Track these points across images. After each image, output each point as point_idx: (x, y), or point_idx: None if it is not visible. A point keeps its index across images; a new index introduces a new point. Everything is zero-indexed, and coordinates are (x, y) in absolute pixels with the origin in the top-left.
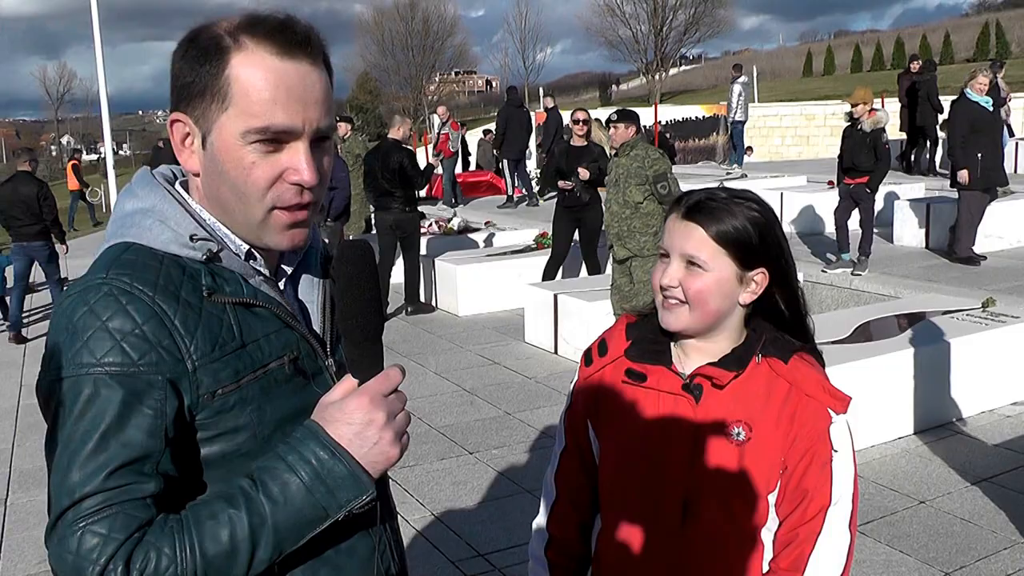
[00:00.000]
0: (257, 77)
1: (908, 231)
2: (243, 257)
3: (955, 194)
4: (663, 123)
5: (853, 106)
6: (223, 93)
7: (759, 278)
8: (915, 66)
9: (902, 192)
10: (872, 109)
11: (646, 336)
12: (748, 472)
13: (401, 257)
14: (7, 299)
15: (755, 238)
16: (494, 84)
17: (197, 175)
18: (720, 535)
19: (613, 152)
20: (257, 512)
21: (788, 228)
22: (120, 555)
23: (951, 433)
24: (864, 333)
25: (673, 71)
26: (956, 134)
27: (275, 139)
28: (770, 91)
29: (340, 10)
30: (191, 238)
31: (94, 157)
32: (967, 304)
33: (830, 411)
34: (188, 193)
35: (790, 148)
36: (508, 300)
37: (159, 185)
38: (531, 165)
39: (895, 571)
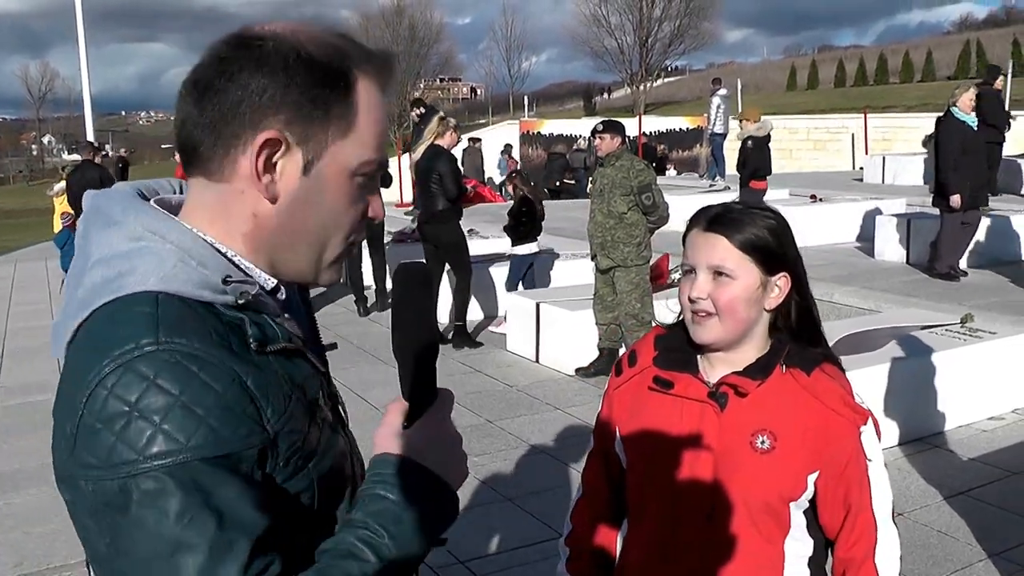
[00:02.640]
0: (377, 108)
1: (889, 246)
2: (269, 292)
3: (935, 210)
4: (647, 134)
5: (743, 120)
6: (348, 120)
7: (782, 283)
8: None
9: (883, 207)
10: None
11: (674, 346)
12: (771, 480)
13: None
14: None
15: (775, 243)
16: (479, 91)
17: (273, 200)
18: (742, 542)
19: (598, 163)
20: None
21: None
22: None
23: (929, 447)
24: (844, 347)
25: (658, 82)
26: (948, 156)
27: (375, 175)
28: (754, 104)
29: (326, 15)
30: (224, 280)
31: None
32: (946, 319)
33: (857, 425)
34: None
35: (773, 161)
36: (490, 308)
37: (162, 213)
38: None
39: None
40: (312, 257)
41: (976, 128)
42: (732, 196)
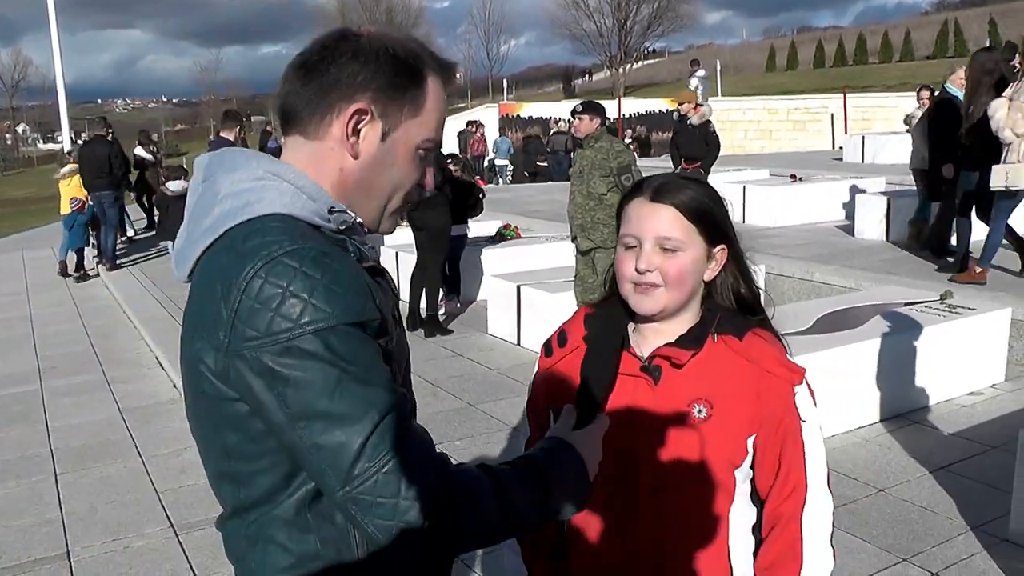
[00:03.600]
0: (439, 101)
1: (869, 225)
2: (360, 226)
3: (913, 187)
4: (626, 116)
5: (680, 105)
6: (418, 104)
7: (720, 254)
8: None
9: (863, 186)
10: (698, 105)
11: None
12: (712, 449)
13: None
14: (84, 250)
15: (718, 213)
16: (458, 75)
17: (356, 158)
18: (687, 512)
19: (578, 144)
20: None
21: (750, 221)
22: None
23: (909, 423)
24: (825, 324)
25: (637, 65)
26: (939, 129)
27: (432, 150)
28: (733, 85)
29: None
30: (329, 210)
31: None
32: (926, 296)
33: (792, 384)
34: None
35: (753, 142)
36: (471, 291)
37: (278, 160)
38: None
39: (855, 558)
40: (379, 207)
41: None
42: (711, 178)
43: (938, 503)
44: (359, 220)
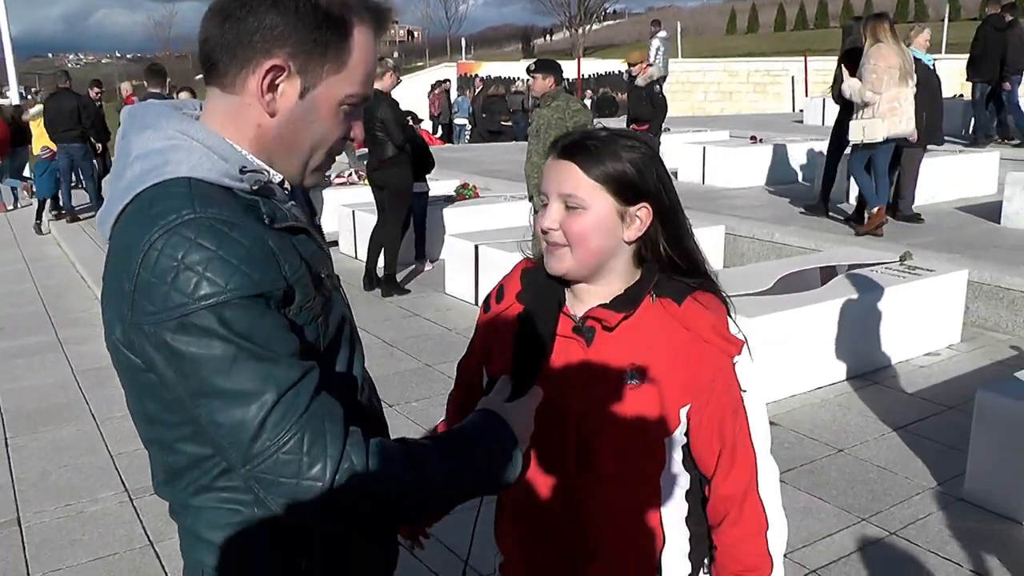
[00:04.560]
0: (367, 53)
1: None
2: (279, 185)
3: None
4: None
5: (631, 65)
6: (342, 59)
7: (642, 213)
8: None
9: (823, 147)
10: (647, 65)
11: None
12: (642, 415)
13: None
14: (60, 194)
15: (632, 172)
16: (416, 34)
17: (273, 115)
18: (616, 478)
19: (535, 103)
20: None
21: (710, 182)
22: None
23: (869, 383)
24: (785, 285)
25: (596, 26)
26: None
27: (359, 105)
28: (693, 47)
29: None
30: (241, 170)
31: (1, 101)
32: (885, 258)
33: (729, 355)
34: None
35: (713, 104)
36: (430, 252)
37: (191, 119)
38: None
39: (814, 518)
40: (300, 164)
41: (930, 67)
42: (671, 138)
43: (896, 463)
44: (276, 178)
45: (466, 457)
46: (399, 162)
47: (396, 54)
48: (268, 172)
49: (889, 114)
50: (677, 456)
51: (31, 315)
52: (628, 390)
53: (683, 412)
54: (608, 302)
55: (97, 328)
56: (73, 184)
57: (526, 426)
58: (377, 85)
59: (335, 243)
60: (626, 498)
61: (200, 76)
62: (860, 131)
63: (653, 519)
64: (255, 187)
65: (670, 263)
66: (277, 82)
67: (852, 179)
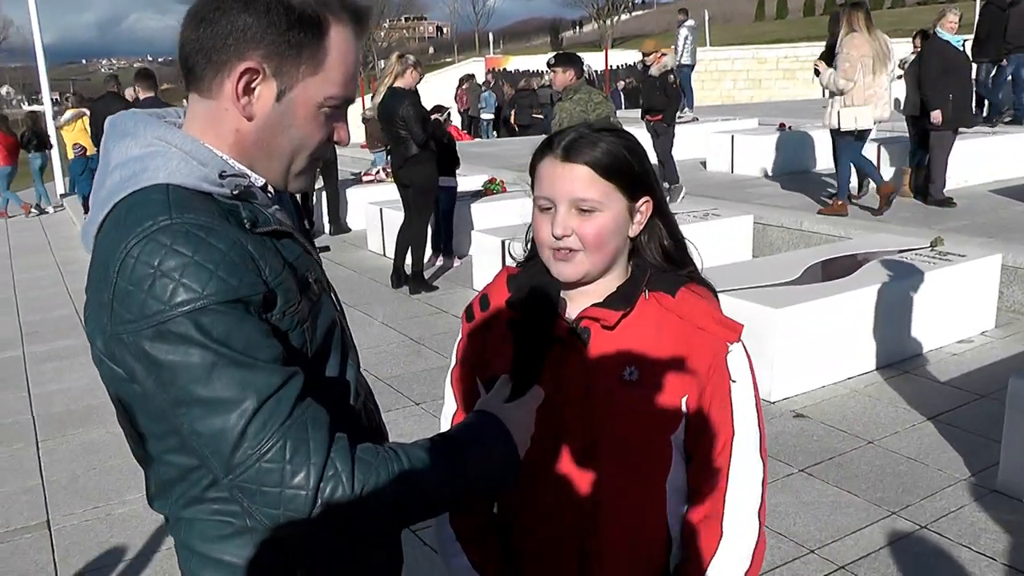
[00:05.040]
0: (346, 52)
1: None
2: (262, 189)
3: (903, 134)
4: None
5: (645, 55)
6: (318, 60)
7: (644, 207)
8: None
9: None
10: (661, 54)
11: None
12: (645, 413)
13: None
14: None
15: (636, 164)
16: (445, 30)
17: (250, 119)
18: (622, 480)
19: (558, 96)
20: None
21: (739, 171)
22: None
23: (899, 372)
24: (814, 274)
25: (625, 16)
26: (929, 73)
27: (340, 107)
28: (722, 35)
29: None
30: (220, 175)
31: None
32: (916, 244)
33: (725, 342)
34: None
35: (742, 91)
36: (456, 247)
37: (170, 125)
38: None
39: (843, 512)
40: (282, 168)
41: (960, 48)
42: (699, 128)
43: (927, 454)
44: (258, 182)
45: (460, 459)
46: (423, 159)
47: (431, 49)
48: (249, 176)
49: (865, 101)
50: (681, 458)
51: (62, 319)
52: (629, 388)
53: (684, 402)
54: (603, 301)
55: None
56: None
57: (526, 427)
58: (399, 83)
59: (327, 248)
60: (632, 499)
61: None
62: (852, 119)
63: (660, 520)
64: (235, 191)
65: (664, 256)
66: (252, 85)
67: (843, 167)
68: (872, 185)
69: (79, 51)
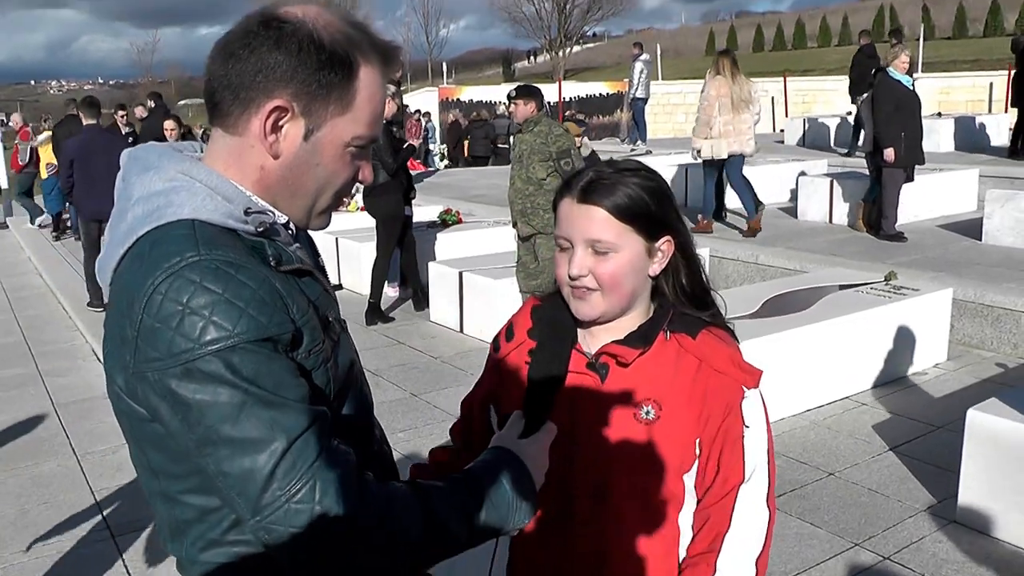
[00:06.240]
0: (374, 93)
1: (812, 207)
2: (284, 226)
3: (857, 169)
4: (566, 100)
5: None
6: (347, 100)
7: (665, 247)
8: None
9: (805, 168)
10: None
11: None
12: (659, 452)
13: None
14: (60, 214)
15: (654, 206)
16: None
17: (276, 157)
18: (633, 517)
19: (516, 128)
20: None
21: (693, 204)
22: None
23: (857, 404)
24: (771, 308)
25: (577, 48)
26: (881, 112)
27: (366, 146)
28: (673, 69)
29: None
30: (245, 211)
31: None
32: (870, 277)
33: (742, 386)
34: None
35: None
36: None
37: (193, 159)
38: None
39: (807, 544)
40: (306, 206)
41: (911, 88)
42: (653, 160)
43: (887, 485)
44: (281, 219)
45: (480, 497)
46: (390, 189)
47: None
48: (273, 213)
49: (725, 135)
50: (695, 496)
51: (10, 347)
52: (644, 426)
53: (696, 444)
54: (623, 338)
55: (78, 360)
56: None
57: (541, 463)
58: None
59: (339, 286)
60: (644, 536)
61: (183, 102)
62: (709, 149)
63: (671, 558)
64: (260, 229)
65: (685, 296)
66: (280, 123)
67: (708, 190)
68: (765, 208)
69: (28, 72)
